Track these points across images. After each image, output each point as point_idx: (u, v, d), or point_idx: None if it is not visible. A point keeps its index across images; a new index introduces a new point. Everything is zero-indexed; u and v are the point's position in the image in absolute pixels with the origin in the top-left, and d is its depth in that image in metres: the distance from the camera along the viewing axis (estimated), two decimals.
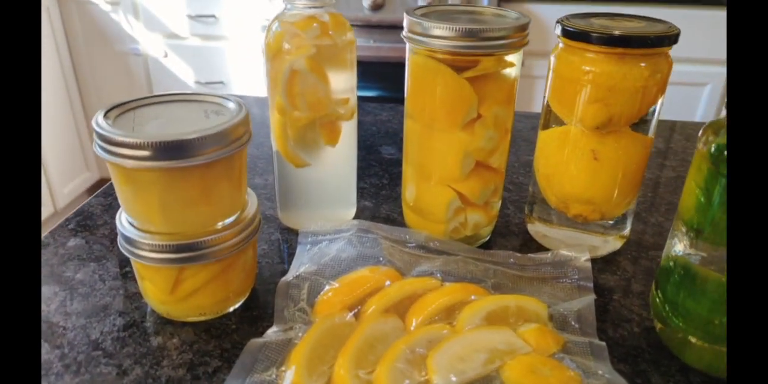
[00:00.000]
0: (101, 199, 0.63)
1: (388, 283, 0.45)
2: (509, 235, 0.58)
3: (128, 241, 0.42)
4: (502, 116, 0.49)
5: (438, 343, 0.39)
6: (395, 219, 0.60)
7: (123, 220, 0.43)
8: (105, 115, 0.40)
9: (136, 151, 0.37)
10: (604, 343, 0.41)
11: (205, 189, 0.40)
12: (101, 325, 0.44)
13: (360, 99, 0.55)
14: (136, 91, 2.05)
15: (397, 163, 0.74)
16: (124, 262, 0.52)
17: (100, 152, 0.38)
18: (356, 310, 0.43)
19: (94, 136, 0.39)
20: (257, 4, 1.83)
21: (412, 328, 0.42)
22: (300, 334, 0.41)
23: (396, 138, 0.81)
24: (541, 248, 0.56)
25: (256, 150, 0.75)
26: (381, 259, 0.48)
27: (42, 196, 1.93)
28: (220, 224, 0.42)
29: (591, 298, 0.46)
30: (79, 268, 0.51)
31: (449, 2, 1.55)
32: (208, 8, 1.88)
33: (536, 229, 0.57)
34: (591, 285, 0.48)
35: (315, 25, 0.48)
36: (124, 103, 0.42)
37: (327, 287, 0.45)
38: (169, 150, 0.37)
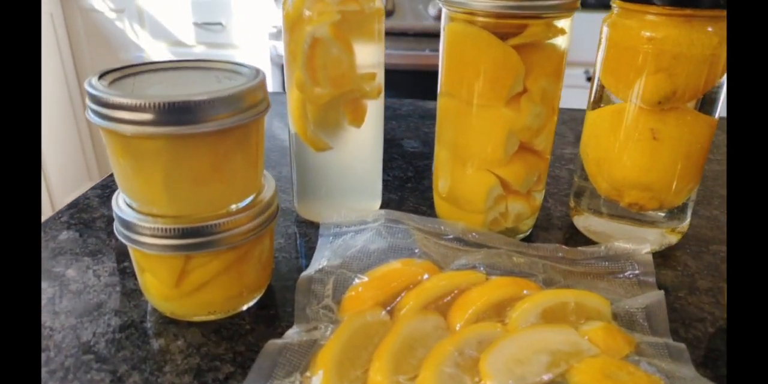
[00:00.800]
0: (98, 191, 0.57)
1: (425, 276, 0.39)
2: (552, 229, 0.52)
3: (126, 225, 0.36)
4: (550, 91, 0.44)
5: (490, 343, 0.33)
6: (424, 212, 0.54)
7: (120, 202, 0.37)
8: (100, 78, 0.34)
9: (137, 114, 0.31)
10: (683, 345, 0.35)
11: (216, 163, 0.34)
12: (94, 326, 0.38)
13: None
14: None
15: (421, 156, 0.68)
16: (123, 257, 0.46)
17: (93, 117, 0.33)
18: (390, 307, 0.37)
19: (87, 99, 0.33)
20: (264, 12, 1.79)
21: (456, 328, 0.36)
22: (327, 334, 0.35)
23: (418, 132, 0.75)
24: (589, 242, 0.50)
25: (268, 142, 0.70)
26: (416, 251, 0.42)
27: (43, 206, 1.87)
28: (233, 207, 0.37)
29: (659, 293, 0.39)
30: (71, 263, 0.45)
31: None
32: (215, 16, 1.85)
33: (583, 222, 0.51)
34: (653, 280, 0.42)
35: None
36: (122, 68, 0.37)
37: (356, 281, 0.39)
38: (176, 113, 0.31)
